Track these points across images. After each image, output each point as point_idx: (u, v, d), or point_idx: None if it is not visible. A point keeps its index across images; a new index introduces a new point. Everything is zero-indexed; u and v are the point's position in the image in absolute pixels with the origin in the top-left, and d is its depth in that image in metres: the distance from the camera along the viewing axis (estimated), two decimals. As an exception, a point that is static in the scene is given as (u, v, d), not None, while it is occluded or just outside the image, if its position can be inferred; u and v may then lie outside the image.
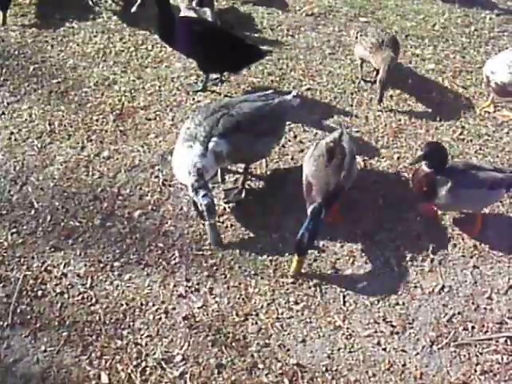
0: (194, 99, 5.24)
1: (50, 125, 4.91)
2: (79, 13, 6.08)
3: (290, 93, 4.60)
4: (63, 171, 4.55)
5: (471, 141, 5.06)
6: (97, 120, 4.97)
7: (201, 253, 4.08)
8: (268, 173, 4.65)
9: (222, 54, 4.95)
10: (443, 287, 4.00)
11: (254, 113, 4.22)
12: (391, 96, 5.41)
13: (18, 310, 3.72)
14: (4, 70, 5.40)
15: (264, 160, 4.63)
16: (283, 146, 4.83)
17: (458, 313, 3.87)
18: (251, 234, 4.23)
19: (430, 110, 5.33)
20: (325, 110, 5.24)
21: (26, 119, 4.95)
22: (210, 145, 4.04)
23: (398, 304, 3.90)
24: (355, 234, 4.27)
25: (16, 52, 5.53)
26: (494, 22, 6.52)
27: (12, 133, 4.82)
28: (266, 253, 4.11)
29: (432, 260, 4.15)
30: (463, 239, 4.28)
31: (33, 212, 4.26)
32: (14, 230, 4.14)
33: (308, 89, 5.44)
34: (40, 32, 5.80)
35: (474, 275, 4.08)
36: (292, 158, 4.77)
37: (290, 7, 6.44)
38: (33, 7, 6.11)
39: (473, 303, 3.93)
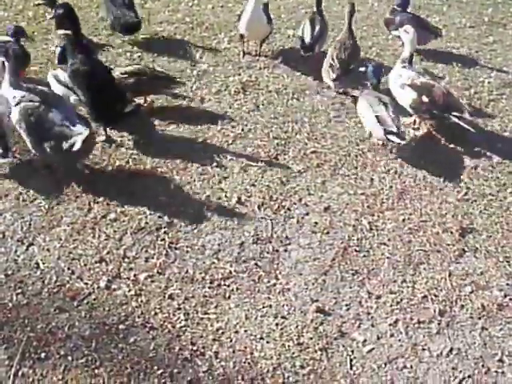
0: (199, 162, 5.28)
1: (57, 186, 4.94)
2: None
3: None
4: (69, 232, 4.56)
5: (475, 201, 5.10)
6: (104, 181, 5.00)
7: (207, 316, 4.06)
8: (274, 236, 4.67)
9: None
10: (451, 350, 3.96)
11: None
12: (395, 158, 5.47)
13: (20, 373, 3.67)
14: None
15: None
16: (289, 209, 4.88)
17: (469, 376, 3.82)
18: (257, 297, 4.21)
19: (434, 171, 5.37)
20: (330, 172, 5.29)
21: (33, 180, 4.97)
22: None
23: (405, 367, 3.85)
24: (361, 296, 4.26)
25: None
26: (493, 85, 6.67)
27: (20, 193, 4.84)
28: (271, 316, 4.09)
29: (439, 322, 4.12)
30: (471, 300, 4.25)
31: (38, 273, 4.25)
32: (19, 291, 4.12)
33: (313, 152, 5.50)
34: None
35: (482, 337, 4.04)
36: (298, 222, 4.79)
37: (294, 71, 6.57)
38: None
39: (483, 366, 3.88)
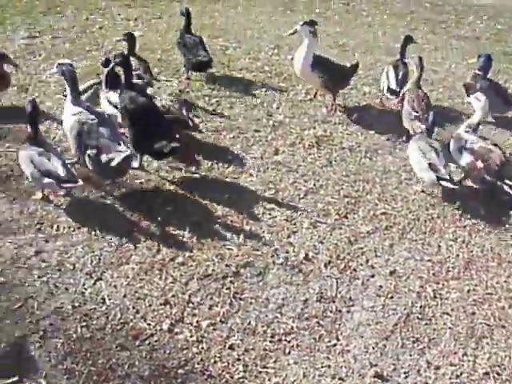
0: (270, 214, 5.36)
1: (128, 224, 5.06)
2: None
3: None
4: (137, 271, 4.64)
5: (547, 277, 5.00)
6: (174, 225, 5.10)
7: (265, 370, 4.07)
8: (338, 296, 4.68)
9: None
10: None
11: None
12: (464, 226, 5.43)
13: (78, 406, 3.74)
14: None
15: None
16: (355, 270, 4.88)
17: None
18: (316, 356, 4.18)
19: (502, 243, 5.31)
20: (398, 235, 5.29)
21: (106, 216, 5.11)
22: None
23: None
24: (420, 365, 4.18)
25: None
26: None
27: (93, 227, 4.96)
28: (329, 376, 4.06)
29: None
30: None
31: (104, 308, 4.34)
32: (84, 324, 4.20)
33: (383, 213, 5.52)
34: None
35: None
36: (363, 283, 4.78)
37: (368, 129, 6.63)
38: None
39: None
